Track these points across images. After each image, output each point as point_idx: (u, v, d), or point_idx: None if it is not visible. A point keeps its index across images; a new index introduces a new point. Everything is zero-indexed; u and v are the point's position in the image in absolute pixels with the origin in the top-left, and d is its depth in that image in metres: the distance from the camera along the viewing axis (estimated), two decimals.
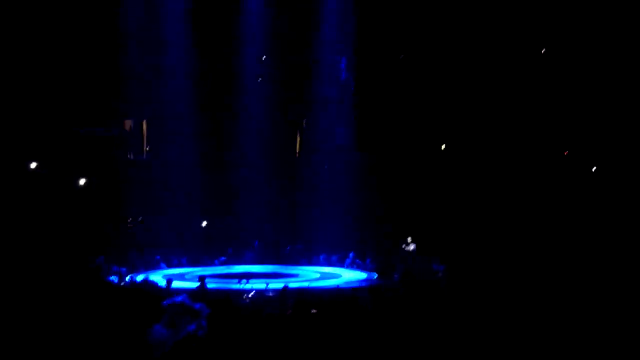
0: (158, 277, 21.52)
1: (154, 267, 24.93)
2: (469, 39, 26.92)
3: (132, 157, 28.63)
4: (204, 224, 27.99)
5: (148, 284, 18.23)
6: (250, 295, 17.96)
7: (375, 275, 23.70)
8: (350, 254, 26.03)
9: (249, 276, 21.39)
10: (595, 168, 26.78)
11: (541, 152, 26.82)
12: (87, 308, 13.50)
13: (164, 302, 11.18)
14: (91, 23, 25.62)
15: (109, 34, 25.95)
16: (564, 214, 25.18)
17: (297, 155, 30.00)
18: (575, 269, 19.43)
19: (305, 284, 20.77)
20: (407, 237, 25.13)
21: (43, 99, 25.11)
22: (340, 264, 25.91)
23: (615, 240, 22.23)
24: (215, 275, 23.24)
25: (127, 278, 21.93)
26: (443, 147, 28.62)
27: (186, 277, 23.06)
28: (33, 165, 25.21)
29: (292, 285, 19.21)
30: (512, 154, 27.03)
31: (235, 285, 20.20)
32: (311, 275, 23.74)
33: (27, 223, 22.98)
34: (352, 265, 25.58)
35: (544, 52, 27.37)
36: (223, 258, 26.44)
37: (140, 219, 27.66)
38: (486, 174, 27.04)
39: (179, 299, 11.25)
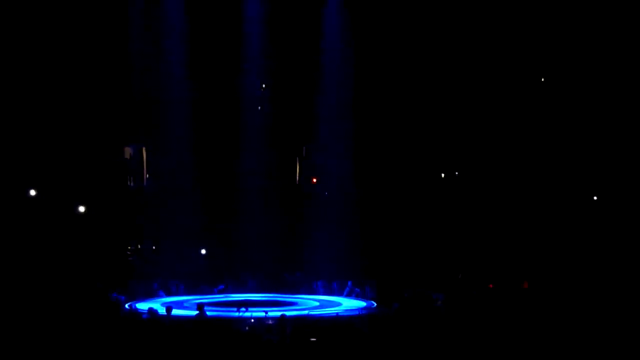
0: (157, 305, 21.48)
1: (153, 295, 24.89)
2: (463, 70, 27.23)
3: (132, 184, 28.68)
4: (203, 251, 27.96)
5: (149, 312, 18.20)
6: (249, 323, 17.94)
7: (374, 304, 23.66)
8: (349, 283, 25.99)
9: (247, 304, 21.36)
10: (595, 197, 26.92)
11: (540, 184, 26.92)
12: (89, 335, 13.50)
13: None
14: (95, 51, 25.83)
15: (112, 62, 26.16)
16: (563, 243, 25.24)
17: (297, 182, 30.07)
18: (575, 298, 19.45)
19: (305, 312, 20.76)
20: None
21: (44, 126, 25.24)
22: (339, 292, 25.87)
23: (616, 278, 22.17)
24: (214, 303, 23.19)
25: (126, 305, 21.90)
26: (443, 175, 28.75)
27: (185, 305, 23.02)
28: (33, 192, 25.27)
29: (290, 313, 19.18)
30: (511, 183, 27.15)
31: (234, 314, 20.18)
32: (310, 304, 23.70)
33: (27, 250, 23.01)
34: (351, 294, 25.54)
35: (543, 80, 27.60)
36: (222, 286, 26.40)
37: (138, 246, 27.64)
38: (485, 202, 27.14)
39: None
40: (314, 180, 29.70)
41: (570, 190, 26.76)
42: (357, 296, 25.22)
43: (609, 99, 26.04)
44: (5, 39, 24.53)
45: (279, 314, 18.45)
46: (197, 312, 19.03)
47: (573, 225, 25.74)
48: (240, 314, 19.98)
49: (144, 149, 29.05)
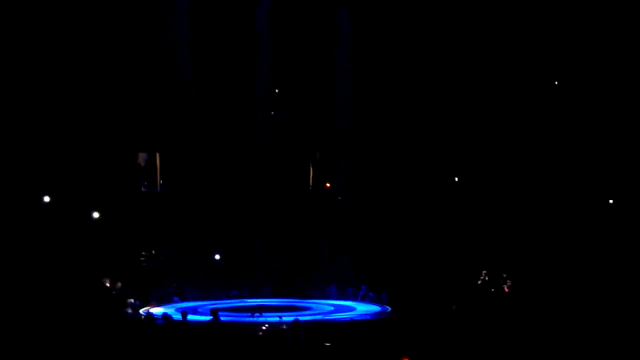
0: (172, 310, 21.51)
1: (168, 300, 24.92)
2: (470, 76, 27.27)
3: (146, 189, 28.77)
4: (217, 257, 28.00)
5: (163, 317, 18.24)
6: (263, 328, 17.94)
7: (389, 309, 23.60)
8: (362, 287, 25.93)
9: (262, 309, 21.38)
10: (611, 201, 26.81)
11: (556, 186, 26.84)
12: (104, 340, 13.52)
13: None
14: (108, 56, 26.01)
15: (125, 68, 26.30)
16: (578, 246, 25.15)
17: (310, 187, 30.07)
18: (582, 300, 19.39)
19: (319, 317, 20.74)
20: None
21: (57, 133, 25.38)
22: (354, 297, 25.83)
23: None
24: (228, 308, 23.20)
25: (142, 311, 21.93)
26: (456, 179, 28.73)
27: (199, 310, 23.04)
28: (47, 198, 25.39)
29: (304, 318, 19.15)
30: (526, 186, 27.11)
31: (248, 319, 20.18)
32: (324, 308, 23.67)
33: (42, 256, 23.10)
34: (365, 299, 25.47)
35: (557, 84, 27.55)
36: (235, 292, 26.41)
37: (153, 251, 27.71)
38: (499, 205, 27.12)
39: None
40: (328, 184, 29.70)
41: (587, 194, 26.68)
42: (371, 300, 25.15)
43: (623, 101, 25.96)
44: (20, 47, 24.72)
45: (293, 318, 18.44)
46: (211, 317, 19.05)
47: (590, 228, 25.64)
48: (255, 319, 19.99)
49: (157, 154, 29.14)
